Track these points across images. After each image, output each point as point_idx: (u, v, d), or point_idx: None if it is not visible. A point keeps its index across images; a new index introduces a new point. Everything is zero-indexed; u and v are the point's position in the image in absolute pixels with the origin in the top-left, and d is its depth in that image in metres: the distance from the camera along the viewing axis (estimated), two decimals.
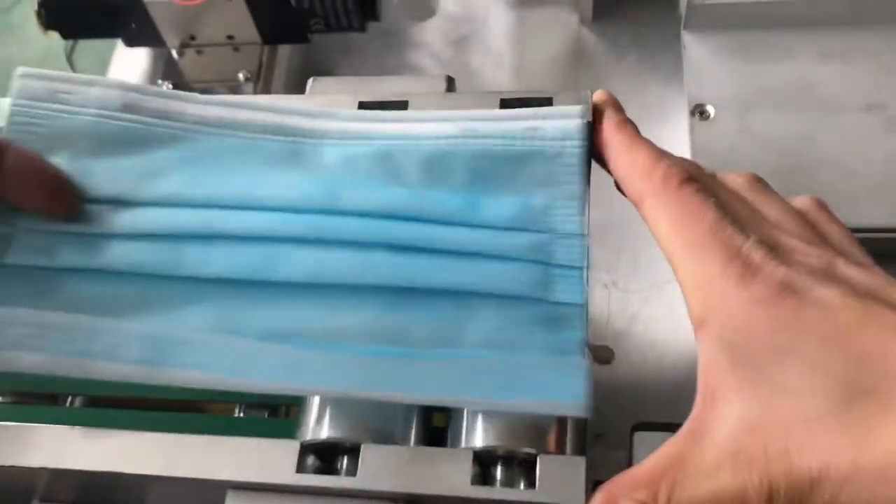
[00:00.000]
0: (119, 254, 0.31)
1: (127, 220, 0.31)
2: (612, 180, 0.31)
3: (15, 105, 0.32)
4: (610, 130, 0.31)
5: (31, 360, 0.29)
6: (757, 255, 0.25)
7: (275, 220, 0.31)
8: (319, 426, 0.32)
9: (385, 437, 0.31)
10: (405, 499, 0.30)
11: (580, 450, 0.31)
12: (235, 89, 0.55)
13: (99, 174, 0.32)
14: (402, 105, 0.38)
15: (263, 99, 0.37)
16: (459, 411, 0.32)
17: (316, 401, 0.32)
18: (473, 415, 0.31)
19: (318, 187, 0.31)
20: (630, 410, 0.42)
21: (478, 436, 0.31)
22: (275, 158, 0.33)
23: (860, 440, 0.21)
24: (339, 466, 0.31)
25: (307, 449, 0.31)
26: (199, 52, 0.57)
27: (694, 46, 0.51)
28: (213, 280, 0.31)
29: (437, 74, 0.43)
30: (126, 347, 0.29)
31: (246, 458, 0.31)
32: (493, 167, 0.32)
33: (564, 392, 0.28)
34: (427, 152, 0.32)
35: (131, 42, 0.58)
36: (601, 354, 0.43)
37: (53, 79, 0.33)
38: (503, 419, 0.31)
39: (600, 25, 0.60)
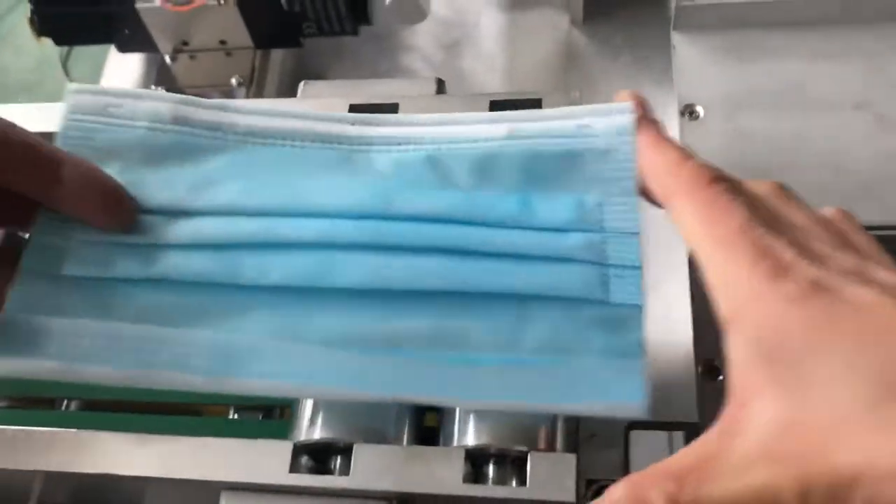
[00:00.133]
0: (175, 264, 0.30)
1: (182, 230, 0.31)
2: None
3: (67, 119, 0.32)
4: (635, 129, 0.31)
5: (97, 372, 0.28)
6: (788, 254, 0.24)
7: (329, 227, 0.31)
8: (312, 427, 0.32)
9: (378, 436, 0.32)
10: (398, 498, 0.30)
11: (571, 447, 0.32)
12: (228, 94, 0.55)
13: (151, 185, 0.31)
14: (392, 108, 0.38)
15: (309, 106, 0.37)
16: (451, 410, 0.32)
17: (309, 401, 0.32)
18: (465, 414, 0.32)
19: (371, 193, 0.31)
20: None
21: (469, 434, 0.31)
22: (326, 166, 0.33)
23: None
24: (332, 466, 0.31)
25: (300, 449, 0.31)
26: (191, 57, 0.57)
27: (683, 47, 0.51)
28: (270, 288, 0.30)
29: (427, 77, 0.44)
30: (194, 357, 0.29)
31: (239, 458, 0.31)
32: (544, 167, 0.31)
33: (624, 394, 0.28)
34: (477, 155, 0.32)
35: (124, 48, 0.58)
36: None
37: (104, 93, 0.33)
38: (494, 418, 0.31)
39: (591, 27, 0.60)
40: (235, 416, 0.38)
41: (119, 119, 0.32)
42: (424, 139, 0.33)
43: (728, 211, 0.26)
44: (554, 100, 0.36)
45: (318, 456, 0.32)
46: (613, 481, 0.26)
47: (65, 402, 0.40)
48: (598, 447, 0.42)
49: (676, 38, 0.51)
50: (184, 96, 0.33)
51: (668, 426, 0.37)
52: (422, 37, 0.61)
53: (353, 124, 0.33)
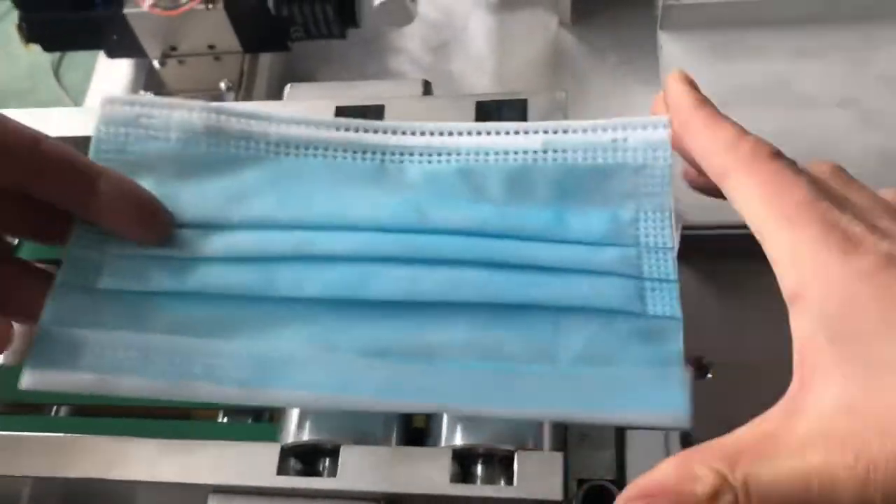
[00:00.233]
0: (210, 277, 0.30)
1: (217, 243, 0.31)
2: None
3: (100, 131, 0.32)
4: (689, 108, 0.30)
5: (132, 384, 0.28)
6: (857, 228, 0.23)
7: (364, 239, 0.30)
8: (300, 429, 0.32)
9: (365, 438, 0.32)
10: (386, 498, 0.30)
11: (559, 446, 0.32)
12: (217, 98, 0.55)
13: (185, 198, 0.31)
14: (378, 109, 0.38)
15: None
16: None
17: None
18: None
19: (405, 206, 0.31)
20: None
21: (457, 435, 0.31)
22: (359, 177, 0.32)
23: None
24: (320, 468, 0.31)
25: (288, 451, 0.31)
26: (180, 61, 0.57)
27: (670, 46, 0.51)
28: (305, 300, 0.30)
29: (414, 78, 0.44)
30: (228, 368, 0.29)
31: (227, 461, 0.31)
32: (578, 182, 0.31)
33: (665, 404, 0.27)
34: (510, 168, 0.32)
35: (113, 53, 0.58)
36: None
37: (135, 103, 0.33)
38: (482, 418, 0.31)
39: (580, 28, 0.60)
40: (225, 420, 0.38)
41: (151, 130, 0.32)
42: (459, 149, 0.32)
43: (793, 185, 0.25)
44: (539, 101, 0.37)
45: (306, 458, 0.32)
46: (605, 481, 0.26)
47: (54, 407, 0.40)
48: (590, 448, 0.43)
49: (663, 38, 0.51)
50: (216, 104, 0.33)
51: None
52: (410, 39, 0.62)
53: (388, 133, 0.33)
